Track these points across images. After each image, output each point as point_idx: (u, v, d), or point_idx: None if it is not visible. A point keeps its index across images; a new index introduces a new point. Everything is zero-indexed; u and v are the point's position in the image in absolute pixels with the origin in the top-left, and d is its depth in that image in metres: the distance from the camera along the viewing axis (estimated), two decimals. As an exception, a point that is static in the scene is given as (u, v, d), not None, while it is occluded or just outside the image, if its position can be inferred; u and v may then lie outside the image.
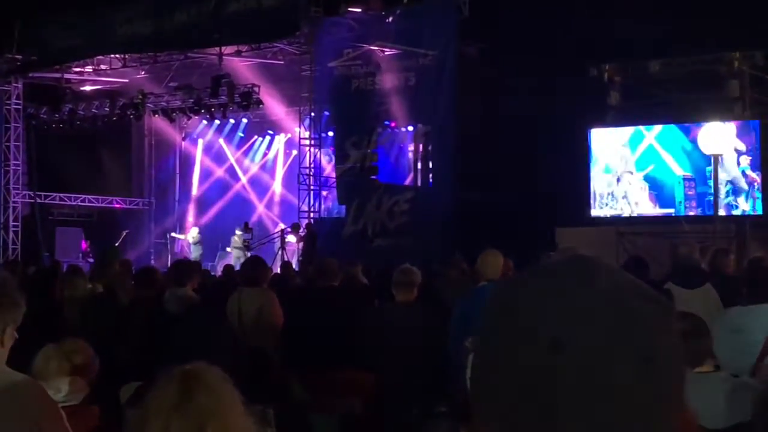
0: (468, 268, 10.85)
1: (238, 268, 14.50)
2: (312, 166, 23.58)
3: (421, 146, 23.15)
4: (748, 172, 19.78)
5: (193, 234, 27.71)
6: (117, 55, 26.59)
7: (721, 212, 18.37)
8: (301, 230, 22.76)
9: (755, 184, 19.75)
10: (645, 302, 1.10)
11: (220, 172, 30.17)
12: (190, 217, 30.46)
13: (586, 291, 1.09)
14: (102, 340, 5.86)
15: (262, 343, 8.53)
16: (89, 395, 5.23)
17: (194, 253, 26.47)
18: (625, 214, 20.89)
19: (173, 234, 28.90)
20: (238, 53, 24.83)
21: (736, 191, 19.79)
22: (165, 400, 2.93)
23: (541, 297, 1.10)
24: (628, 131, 21.00)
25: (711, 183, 18.28)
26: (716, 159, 16.54)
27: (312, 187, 23.53)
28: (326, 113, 23.85)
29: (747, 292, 6.05)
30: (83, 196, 28.94)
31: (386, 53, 22.24)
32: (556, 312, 1.07)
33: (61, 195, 28.60)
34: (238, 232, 25.46)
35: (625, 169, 21.11)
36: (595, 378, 1.04)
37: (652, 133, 20.67)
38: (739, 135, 19.29)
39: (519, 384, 1.07)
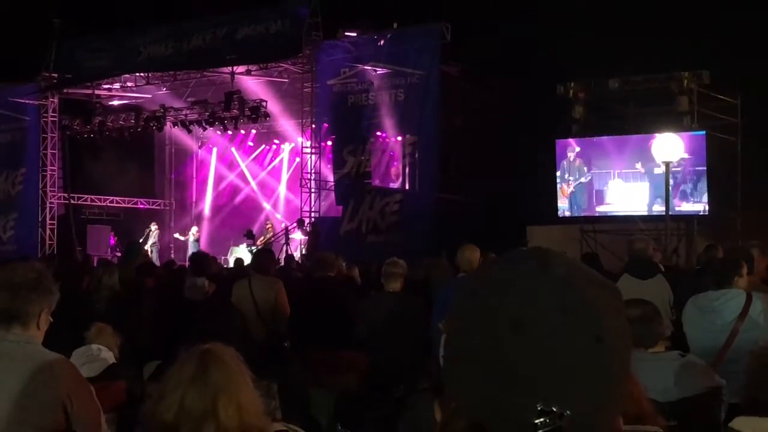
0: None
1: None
2: (313, 171, 23.58)
3: (408, 154, 23.16)
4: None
5: (192, 232, 27.70)
6: (141, 74, 26.58)
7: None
8: (306, 226, 22.78)
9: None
10: (595, 288, 1.10)
11: (232, 176, 30.14)
12: (205, 216, 30.45)
13: (544, 277, 1.09)
14: (127, 325, 5.86)
15: (275, 327, 8.56)
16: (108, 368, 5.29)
17: (191, 249, 26.51)
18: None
19: (176, 235, 28.79)
20: (248, 72, 24.85)
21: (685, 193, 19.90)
22: (183, 374, 2.94)
23: (503, 282, 1.10)
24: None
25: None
26: (668, 165, 16.57)
27: (313, 190, 23.53)
28: (325, 125, 23.84)
29: (712, 280, 6.06)
30: (111, 197, 28.94)
31: (378, 72, 22.25)
32: (517, 295, 1.08)
33: (92, 197, 28.57)
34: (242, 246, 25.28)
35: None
36: (551, 355, 1.05)
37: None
38: (688, 144, 19.38)
39: (483, 360, 1.07)
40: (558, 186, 21.39)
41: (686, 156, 19.40)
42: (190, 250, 26.55)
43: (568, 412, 1.04)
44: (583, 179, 21.11)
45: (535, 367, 1.05)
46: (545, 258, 1.13)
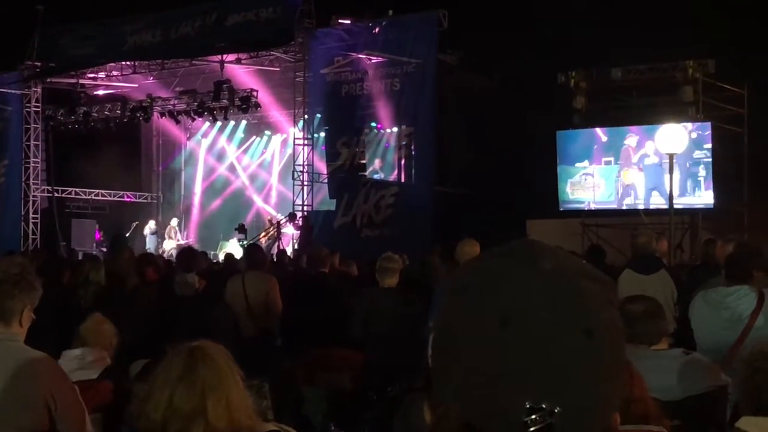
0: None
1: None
2: (305, 163, 23.56)
3: (404, 145, 23.15)
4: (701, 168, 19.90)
5: (150, 225, 27.69)
6: (127, 63, 26.52)
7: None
8: (298, 219, 22.74)
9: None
10: (586, 280, 1.10)
11: (221, 169, 30.11)
12: (194, 210, 30.41)
13: (532, 271, 1.09)
14: (113, 322, 5.83)
15: (266, 324, 8.55)
16: (104, 371, 5.25)
17: (149, 244, 26.47)
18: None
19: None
20: (238, 61, 24.80)
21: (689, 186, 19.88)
22: (171, 372, 2.95)
23: (491, 277, 1.10)
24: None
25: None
26: (671, 157, 16.56)
27: (305, 183, 23.50)
28: (318, 116, 23.81)
29: (726, 274, 6.05)
30: (97, 190, 28.85)
31: (373, 61, 22.23)
32: (505, 291, 1.08)
33: (77, 189, 28.51)
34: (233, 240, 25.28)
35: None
36: (539, 351, 1.05)
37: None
38: (693, 135, 19.35)
39: (471, 358, 1.07)
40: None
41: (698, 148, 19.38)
42: (148, 244, 26.56)
43: (558, 409, 1.04)
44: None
45: (524, 364, 1.05)
46: (533, 251, 1.13)
